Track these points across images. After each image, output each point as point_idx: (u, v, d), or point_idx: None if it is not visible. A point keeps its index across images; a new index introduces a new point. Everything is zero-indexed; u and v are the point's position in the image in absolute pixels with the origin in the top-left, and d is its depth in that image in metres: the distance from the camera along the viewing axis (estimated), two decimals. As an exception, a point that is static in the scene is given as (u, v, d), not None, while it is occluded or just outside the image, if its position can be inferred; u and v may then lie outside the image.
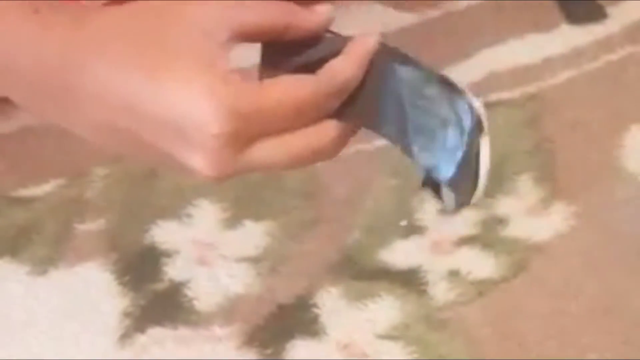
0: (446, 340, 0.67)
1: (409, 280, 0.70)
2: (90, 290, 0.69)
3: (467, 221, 0.73)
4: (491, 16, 0.86)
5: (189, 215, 0.73)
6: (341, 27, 0.87)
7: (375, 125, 0.54)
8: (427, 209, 0.73)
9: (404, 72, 0.52)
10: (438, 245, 0.72)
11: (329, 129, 0.51)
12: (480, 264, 0.71)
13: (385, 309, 0.69)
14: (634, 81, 0.83)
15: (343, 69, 0.51)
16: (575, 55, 0.84)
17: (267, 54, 0.53)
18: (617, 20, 0.87)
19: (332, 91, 0.50)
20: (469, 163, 0.53)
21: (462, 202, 0.53)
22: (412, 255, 0.71)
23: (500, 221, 0.73)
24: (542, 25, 0.85)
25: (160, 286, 0.70)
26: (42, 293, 0.69)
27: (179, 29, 0.48)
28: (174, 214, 0.73)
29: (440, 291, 0.70)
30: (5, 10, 0.49)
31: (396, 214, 0.73)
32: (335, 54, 0.52)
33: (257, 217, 0.73)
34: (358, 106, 0.53)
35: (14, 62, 0.49)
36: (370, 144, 0.77)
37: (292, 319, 0.68)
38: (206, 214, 0.73)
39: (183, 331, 0.68)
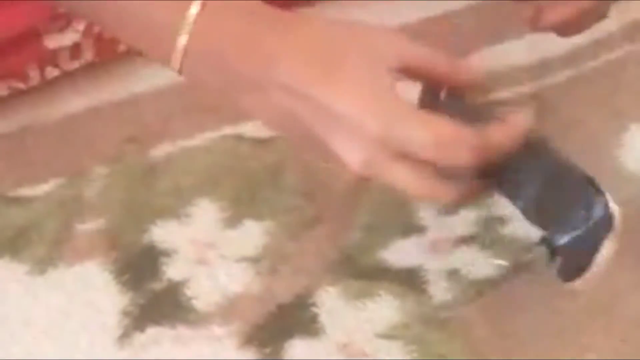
0: (445, 340, 0.67)
1: (408, 280, 0.70)
2: (90, 289, 0.69)
3: (466, 221, 0.73)
4: (490, 16, 0.86)
5: (188, 215, 0.73)
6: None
7: (509, 195, 0.61)
8: (427, 208, 0.74)
9: (549, 162, 0.62)
10: (438, 245, 0.72)
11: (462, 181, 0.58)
12: (480, 264, 0.71)
13: (385, 308, 0.69)
14: (634, 80, 0.83)
15: (501, 136, 0.58)
16: (574, 55, 0.84)
17: (424, 97, 0.61)
18: (616, 19, 0.87)
19: (482, 150, 0.57)
20: (586, 243, 0.60)
21: (567, 276, 0.61)
22: (411, 254, 0.71)
23: (500, 220, 0.73)
24: (541, 25, 0.86)
25: (159, 285, 0.70)
26: (41, 292, 0.69)
27: (359, 47, 0.58)
28: (173, 214, 0.73)
29: (440, 290, 0.70)
30: (226, 8, 0.60)
31: (396, 214, 0.73)
32: (486, 119, 0.59)
33: (257, 216, 0.73)
34: (499, 174, 0.60)
35: (226, 53, 0.59)
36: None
37: (292, 318, 0.68)
38: (205, 214, 0.73)
39: (182, 330, 0.68)
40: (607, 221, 0.61)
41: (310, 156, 0.62)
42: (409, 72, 0.59)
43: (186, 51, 0.59)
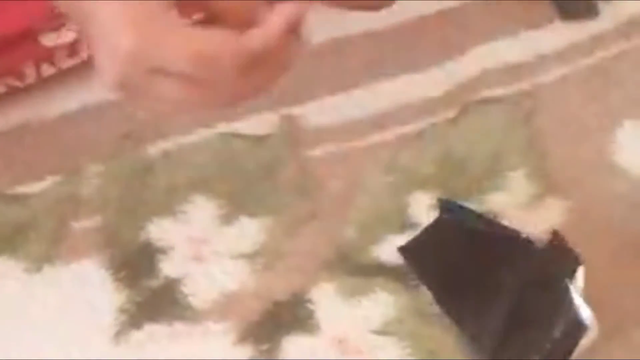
0: (438, 335, 0.68)
1: (402, 277, 0.70)
2: (86, 287, 0.69)
3: (460, 217, 0.73)
4: (485, 14, 0.86)
5: (184, 212, 0.73)
6: (327, 25, 0.87)
7: (470, 334, 0.67)
8: (421, 204, 0.74)
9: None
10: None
11: None
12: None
13: (379, 304, 0.69)
14: (627, 77, 0.83)
15: (260, 40, 0.55)
16: (569, 52, 0.84)
17: None
18: (610, 17, 0.87)
19: (242, 57, 0.54)
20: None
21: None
22: (406, 251, 0.71)
23: (494, 216, 0.73)
24: (535, 23, 0.85)
25: (155, 283, 0.70)
26: (38, 290, 0.69)
27: None
28: (169, 211, 0.73)
29: (434, 287, 0.70)
30: None
31: (391, 210, 0.74)
32: None
33: (252, 213, 0.73)
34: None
35: None
36: (365, 140, 0.77)
37: (287, 315, 0.68)
38: (201, 211, 0.73)
39: (179, 327, 0.68)
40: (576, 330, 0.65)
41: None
42: None
43: None
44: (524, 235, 0.69)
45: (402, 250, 0.70)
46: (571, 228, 0.72)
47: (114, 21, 0.54)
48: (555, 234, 0.69)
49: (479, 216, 0.71)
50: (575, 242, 0.69)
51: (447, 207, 0.71)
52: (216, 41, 0.55)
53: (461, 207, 0.71)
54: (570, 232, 0.71)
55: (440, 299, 0.68)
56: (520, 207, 0.74)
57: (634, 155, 0.78)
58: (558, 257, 0.68)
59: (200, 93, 0.55)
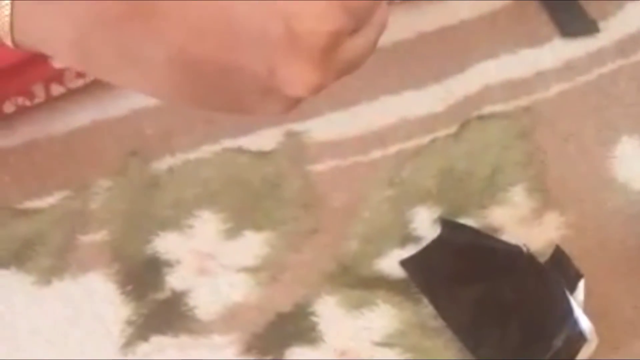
0: (441, 348, 0.68)
1: (405, 289, 0.71)
2: (94, 299, 0.70)
3: (461, 231, 0.74)
4: (485, 31, 0.87)
5: (190, 226, 0.74)
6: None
7: (467, 345, 0.67)
8: (423, 219, 0.75)
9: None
10: (433, 255, 0.73)
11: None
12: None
13: (382, 317, 0.70)
14: (625, 93, 0.84)
15: None
16: (568, 69, 0.85)
17: None
18: (608, 34, 0.88)
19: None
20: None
21: None
22: (407, 264, 0.72)
23: (494, 231, 0.74)
24: (535, 40, 0.86)
25: (162, 295, 0.71)
26: (46, 303, 0.70)
27: None
28: (176, 225, 0.74)
29: (436, 299, 0.71)
30: None
31: (392, 224, 0.75)
32: None
33: (257, 227, 0.74)
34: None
35: None
36: (367, 155, 0.78)
37: (291, 327, 0.69)
38: (207, 225, 0.74)
39: (184, 339, 0.69)
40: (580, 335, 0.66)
41: (216, 108, 0.46)
42: None
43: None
44: (525, 250, 0.70)
45: (404, 263, 0.71)
46: (570, 242, 0.73)
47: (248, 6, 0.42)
48: (557, 248, 0.70)
49: (480, 234, 0.72)
50: (574, 255, 0.70)
51: (448, 226, 0.72)
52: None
53: (462, 226, 0.72)
54: (569, 246, 0.72)
55: (442, 312, 0.69)
56: (520, 222, 0.75)
57: (632, 170, 0.79)
58: (559, 271, 0.69)
59: (377, 32, 0.47)
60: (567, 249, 0.71)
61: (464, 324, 0.68)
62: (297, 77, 0.44)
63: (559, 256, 0.69)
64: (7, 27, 0.44)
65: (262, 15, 0.43)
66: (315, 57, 0.44)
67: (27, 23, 0.44)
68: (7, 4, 0.43)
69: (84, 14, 0.43)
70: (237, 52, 0.43)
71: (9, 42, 0.45)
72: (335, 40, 0.44)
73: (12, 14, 0.44)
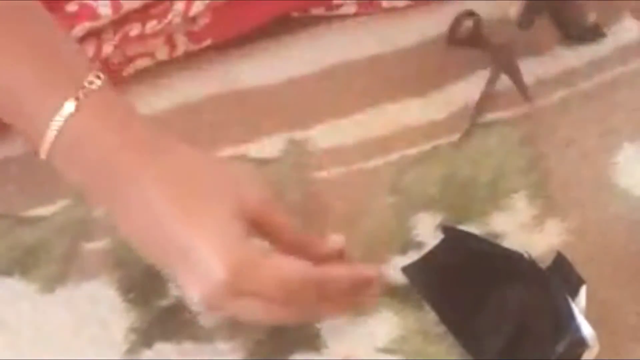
0: (443, 354, 0.68)
1: (407, 296, 0.71)
2: (97, 307, 0.70)
3: (463, 237, 0.74)
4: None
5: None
6: (332, 49, 0.88)
7: (469, 350, 0.68)
8: (425, 225, 0.75)
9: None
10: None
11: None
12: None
13: (384, 323, 0.70)
14: (626, 100, 0.84)
15: (337, 272, 0.64)
16: (568, 77, 0.85)
17: None
18: (609, 42, 0.88)
19: (319, 283, 0.62)
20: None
21: None
22: (410, 271, 0.72)
23: (496, 237, 0.74)
24: (536, 48, 0.87)
25: (165, 302, 0.71)
26: (50, 310, 0.70)
27: (220, 190, 0.61)
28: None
29: (438, 306, 0.71)
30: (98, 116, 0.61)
31: (395, 231, 0.75)
32: None
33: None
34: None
35: (90, 161, 0.61)
36: (369, 162, 0.78)
37: (294, 333, 0.69)
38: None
39: (188, 346, 0.69)
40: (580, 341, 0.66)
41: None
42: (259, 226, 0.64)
43: (54, 146, 0.61)
44: (527, 256, 0.70)
45: (405, 269, 0.71)
46: (571, 248, 0.73)
47: (207, 251, 0.59)
48: (559, 255, 0.70)
49: (483, 240, 0.72)
50: (576, 261, 0.70)
51: (450, 233, 0.72)
52: (302, 270, 0.61)
53: (464, 232, 0.73)
54: (571, 252, 0.72)
55: (444, 318, 0.69)
56: (522, 228, 0.75)
57: (634, 176, 0.79)
58: (561, 277, 0.69)
59: (283, 313, 0.62)
60: (568, 255, 0.71)
61: (466, 330, 0.68)
62: (192, 294, 0.61)
63: (560, 262, 0.69)
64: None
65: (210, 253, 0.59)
66: (205, 290, 0.60)
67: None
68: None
69: None
70: (168, 254, 0.61)
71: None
72: (224, 289, 0.59)
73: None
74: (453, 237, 0.72)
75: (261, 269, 0.60)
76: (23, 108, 0.61)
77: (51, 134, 0.60)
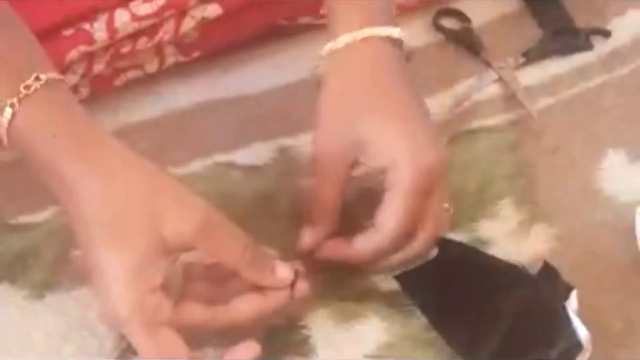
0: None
1: (395, 302, 0.71)
2: (87, 313, 0.70)
3: (451, 244, 0.74)
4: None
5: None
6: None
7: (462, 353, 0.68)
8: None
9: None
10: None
11: None
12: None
13: (372, 329, 0.70)
14: (610, 107, 0.85)
15: (244, 312, 0.66)
16: (554, 84, 0.86)
17: None
18: (594, 50, 0.89)
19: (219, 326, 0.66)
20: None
21: None
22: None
23: (484, 244, 0.75)
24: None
25: (154, 309, 0.71)
26: (39, 317, 0.70)
27: (148, 224, 0.62)
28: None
29: (426, 312, 0.71)
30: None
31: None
32: None
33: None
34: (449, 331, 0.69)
35: (32, 160, 0.64)
36: (358, 169, 0.79)
37: (283, 340, 0.69)
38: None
39: (177, 352, 0.69)
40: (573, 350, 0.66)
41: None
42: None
43: (10, 143, 0.63)
44: (520, 266, 0.70)
45: (398, 278, 0.72)
46: (558, 254, 0.74)
47: (116, 281, 0.62)
48: (545, 263, 0.70)
49: (476, 251, 0.72)
50: (562, 268, 0.71)
51: (445, 246, 0.73)
52: (202, 320, 0.66)
53: (458, 243, 0.73)
54: (558, 258, 0.72)
55: (437, 326, 0.69)
56: (509, 235, 0.76)
57: (620, 183, 0.79)
58: (551, 283, 0.69)
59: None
60: (555, 262, 0.71)
61: (461, 338, 0.68)
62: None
63: (547, 270, 0.70)
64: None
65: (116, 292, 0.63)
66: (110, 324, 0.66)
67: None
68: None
69: None
70: (95, 283, 0.64)
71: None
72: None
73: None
74: (447, 250, 0.72)
75: (140, 333, 0.63)
76: None
77: (2, 131, 0.63)
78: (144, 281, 0.62)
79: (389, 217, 0.69)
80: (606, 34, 0.90)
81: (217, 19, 0.81)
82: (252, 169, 0.79)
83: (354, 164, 0.71)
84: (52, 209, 0.75)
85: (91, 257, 0.63)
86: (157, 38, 0.80)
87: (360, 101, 0.70)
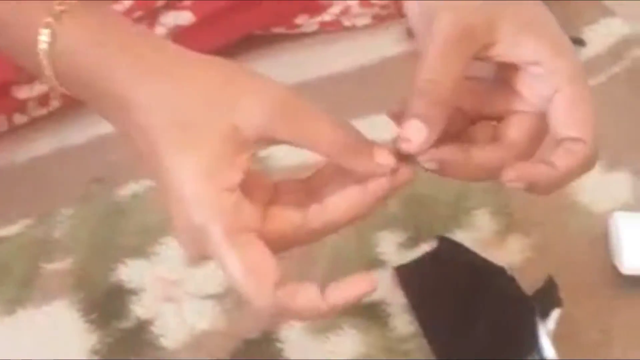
0: (407, 371, 0.69)
1: (370, 313, 0.71)
2: (59, 328, 0.70)
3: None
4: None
5: (155, 254, 0.74)
6: (298, 62, 0.88)
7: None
8: (388, 243, 0.75)
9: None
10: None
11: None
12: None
13: (347, 341, 0.70)
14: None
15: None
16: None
17: None
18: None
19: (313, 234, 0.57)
20: None
21: None
22: (373, 289, 0.72)
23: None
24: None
25: (127, 324, 0.70)
26: (11, 332, 0.69)
27: (218, 125, 0.53)
28: (141, 252, 0.73)
29: (402, 323, 0.71)
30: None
31: (358, 249, 0.75)
32: None
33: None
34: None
35: (85, 75, 0.54)
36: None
37: (257, 353, 0.69)
38: (172, 252, 0.74)
39: (150, 367, 0.68)
40: None
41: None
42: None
43: (56, 74, 0.55)
44: (508, 272, 0.70)
45: (398, 269, 0.72)
46: (533, 265, 0.74)
47: (187, 190, 0.53)
48: (549, 279, 0.70)
49: (471, 252, 0.72)
50: (538, 278, 0.71)
51: (444, 243, 0.73)
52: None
53: (457, 243, 0.73)
54: (532, 268, 0.72)
55: (422, 322, 0.69)
56: (484, 245, 0.75)
57: (594, 193, 0.79)
58: (544, 298, 0.69)
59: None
60: (530, 272, 0.71)
61: (441, 340, 0.68)
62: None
63: (548, 286, 0.70)
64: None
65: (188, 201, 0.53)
66: (184, 242, 0.54)
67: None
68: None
69: None
70: (167, 199, 0.54)
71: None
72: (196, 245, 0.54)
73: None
74: (446, 247, 0.73)
75: (243, 216, 0.53)
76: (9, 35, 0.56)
77: (45, 62, 0.55)
78: (221, 179, 0.52)
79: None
80: (581, 43, 0.90)
81: (191, 27, 0.81)
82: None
83: (480, 53, 0.57)
84: (22, 222, 0.75)
85: (158, 166, 0.53)
86: None
87: None
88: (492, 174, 0.59)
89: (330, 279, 0.71)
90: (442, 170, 0.58)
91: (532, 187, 0.57)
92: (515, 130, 0.59)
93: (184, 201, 0.52)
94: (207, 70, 0.54)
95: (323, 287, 0.71)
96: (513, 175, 0.57)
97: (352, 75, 0.86)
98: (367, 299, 0.71)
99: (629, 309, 0.73)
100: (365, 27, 0.90)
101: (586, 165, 0.58)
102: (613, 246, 0.75)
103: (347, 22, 0.89)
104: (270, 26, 0.87)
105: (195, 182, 0.52)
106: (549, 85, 0.57)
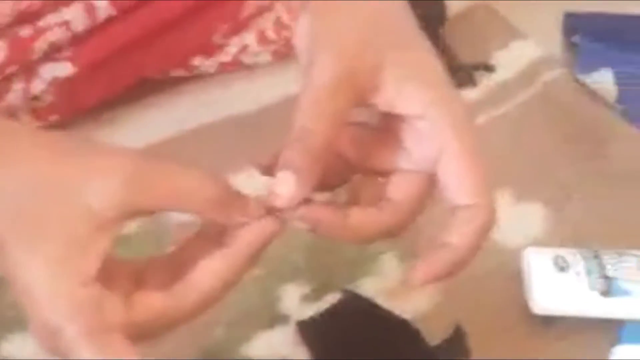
0: None
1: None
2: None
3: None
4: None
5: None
6: (198, 104, 0.85)
7: None
8: (291, 297, 0.72)
9: None
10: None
11: None
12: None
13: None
14: (495, 146, 0.82)
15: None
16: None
17: None
18: (480, 87, 0.87)
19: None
20: None
21: None
22: (277, 346, 0.70)
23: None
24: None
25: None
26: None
27: (69, 210, 0.49)
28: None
29: (308, 380, 0.68)
30: None
31: (260, 306, 0.72)
32: None
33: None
34: None
35: None
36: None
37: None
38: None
39: None
40: None
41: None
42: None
43: None
44: (412, 325, 0.68)
45: (300, 325, 0.69)
46: (443, 309, 0.71)
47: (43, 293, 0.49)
48: (456, 328, 0.68)
49: (377, 307, 0.70)
50: (447, 322, 0.68)
51: (348, 297, 0.70)
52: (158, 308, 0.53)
53: (359, 296, 0.71)
54: (442, 314, 0.70)
55: None
56: (391, 292, 0.73)
57: (506, 226, 0.76)
58: (444, 348, 0.67)
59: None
60: (439, 317, 0.69)
61: None
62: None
63: (456, 335, 0.68)
64: None
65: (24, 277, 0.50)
66: (40, 340, 0.51)
67: None
68: None
69: None
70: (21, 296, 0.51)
71: None
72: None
73: None
74: (348, 300, 0.70)
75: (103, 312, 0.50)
76: None
77: None
78: (74, 274, 0.49)
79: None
80: (490, 69, 0.88)
81: (71, 79, 0.77)
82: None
83: (361, 100, 0.54)
84: None
85: (9, 263, 0.49)
86: (3, 103, 0.75)
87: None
88: (370, 239, 0.56)
89: (231, 340, 0.70)
90: (316, 230, 0.55)
91: (440, 277, 0.57)
92: (401, 192, 0.56)
93: (39, 302, 0.49)
94: (41, 150, 0.50)
95: (222, 351, 0.69)
96: (421, 277, 0.56)
97: (251, 116, 0.84)
98: (270, 358, 0.69)
99: (543, 350, 0.71)
100: (269, 64, 0.87)
101: (487, 227, 0.57)
102: (526, 284, 0.73)
103: (247, 61, 0.86)
104: (167, 69, 0.84)
105: (47, 281, 0.49)
106: (434, 143, 0.55)
